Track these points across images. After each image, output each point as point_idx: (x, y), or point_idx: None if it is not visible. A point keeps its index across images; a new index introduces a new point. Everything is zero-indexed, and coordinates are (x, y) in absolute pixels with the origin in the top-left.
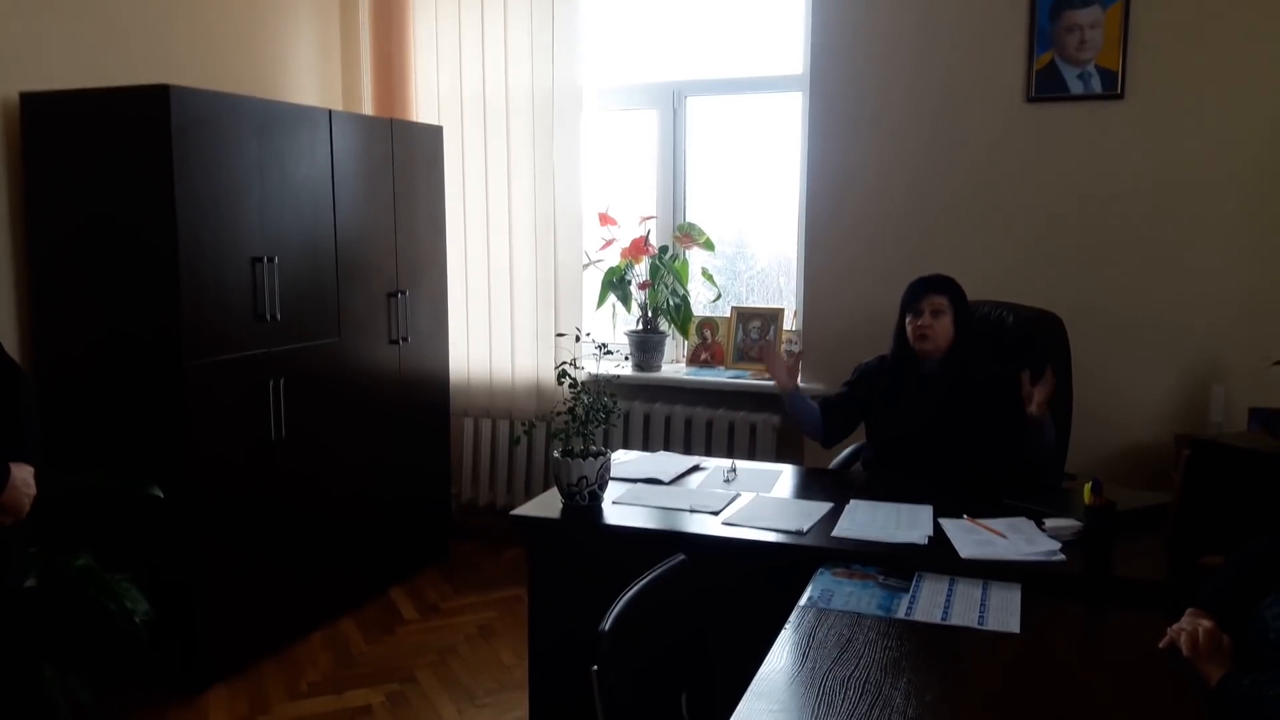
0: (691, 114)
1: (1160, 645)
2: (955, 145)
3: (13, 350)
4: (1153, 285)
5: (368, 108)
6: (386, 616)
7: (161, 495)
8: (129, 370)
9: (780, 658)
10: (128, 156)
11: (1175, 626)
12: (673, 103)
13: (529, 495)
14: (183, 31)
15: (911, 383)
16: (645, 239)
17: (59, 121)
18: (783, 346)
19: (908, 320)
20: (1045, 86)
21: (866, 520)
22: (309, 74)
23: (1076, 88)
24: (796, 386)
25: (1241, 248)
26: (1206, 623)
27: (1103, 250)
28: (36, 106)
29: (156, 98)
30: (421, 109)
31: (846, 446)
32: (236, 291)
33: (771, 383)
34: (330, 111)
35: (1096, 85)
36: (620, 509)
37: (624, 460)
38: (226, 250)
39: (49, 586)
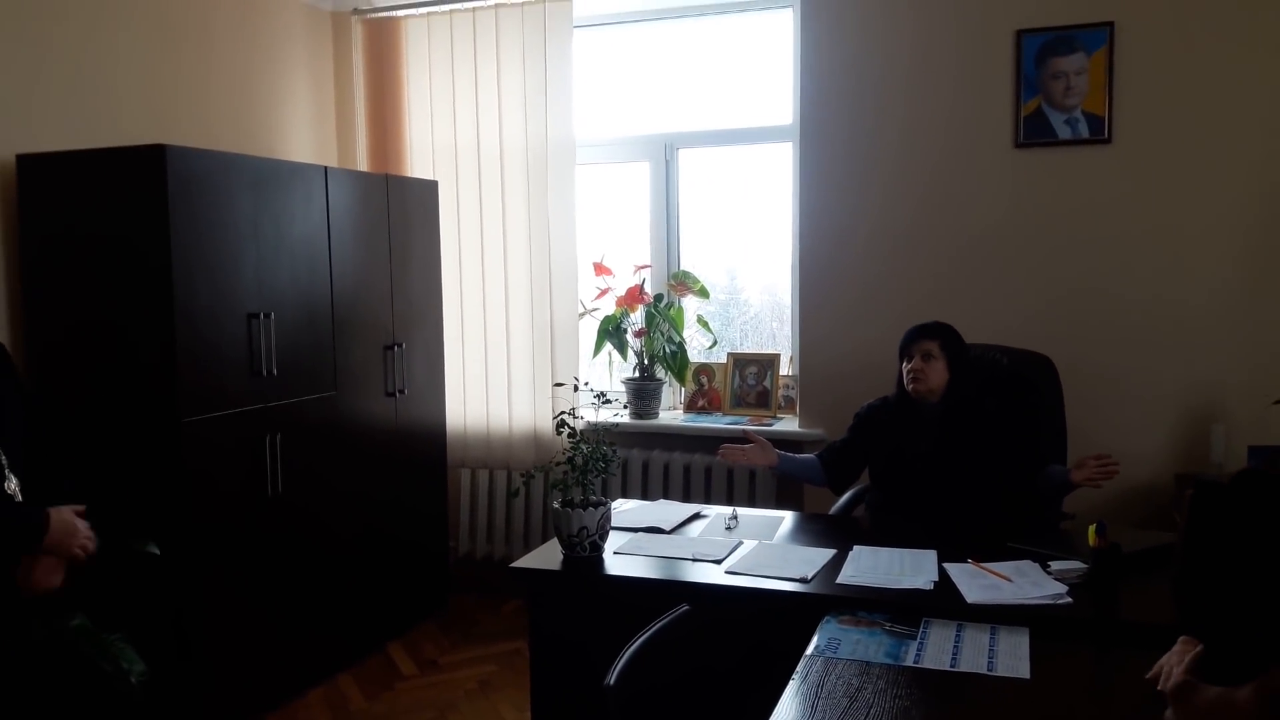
0: (683, 165)
1: (1147, 676)
2: (946, 191)
3: None
4: (1147, 326)
5: (363, 164)
6: (385, 672)
7: (159, 553)
8: (126, 427)
9: (789, 709)
10: (124, 216)
11: (1166, 657)
12: (665, 154)
13: (528, 547)
14: (178, 92)
15: (913, 425)
16: (640, 287)
17: (55, 183)
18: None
19: (902, 365)
20: (1033, 132)
21: (870, 566)
22: (304, 131)
23: (1064, 133)
24: (777, 456)
25: (1235, 286)
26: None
27: (1095, 292)
28: (33, 168)
29: (153, 157)
30: (416, 164)
31: (846, 491)
32: (233, 348)
33: (768, 427)
34: (326, 168)
35: (1084, 130)
36: (622, 559)
37: (624, 509)
38: (223, 307)
39: (44, 648)
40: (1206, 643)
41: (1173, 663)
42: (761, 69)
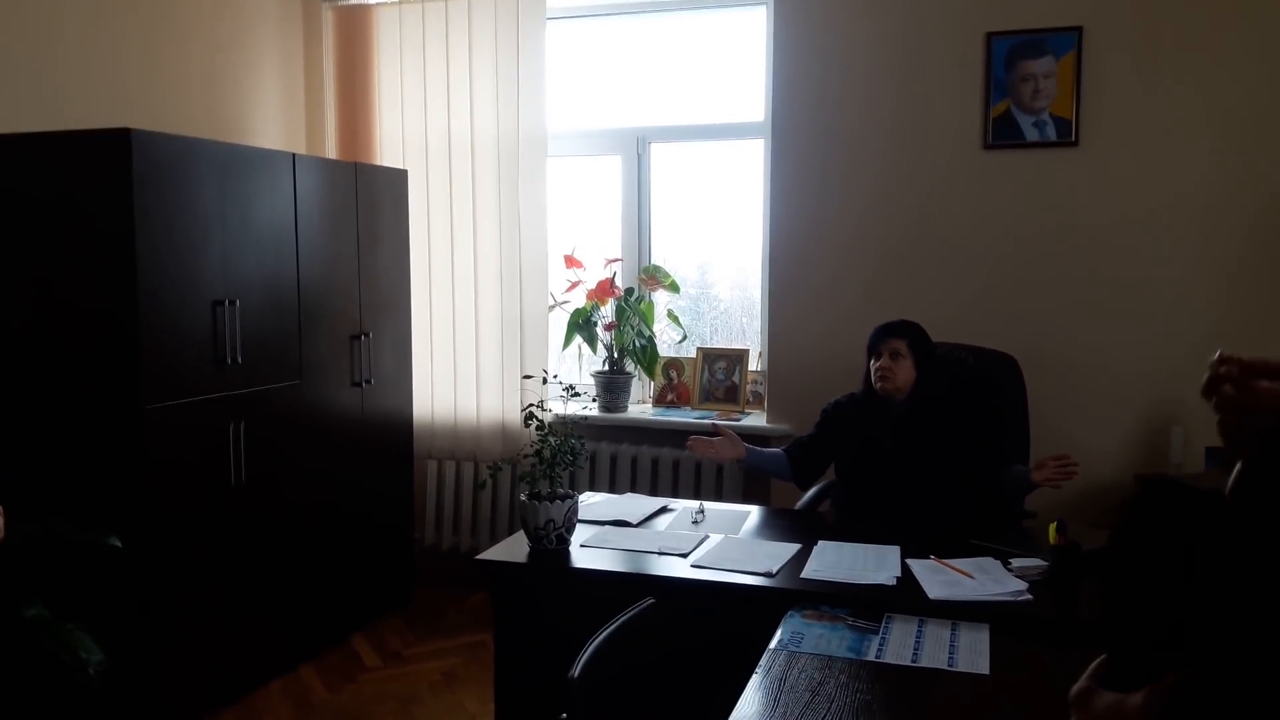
0: (655, 159)
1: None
2: (915, 191)
3: None
4: (1110, 328)
5: (332, 151)
6: (348, 664)
7: (120, 545)
8: (87, 414)
9: (752, 703)
10: (88, 200)
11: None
12: (637, 148)
13: (494, 539)
14: (145, 75)
15: (879, 422)
16: (611, 281)
17: (17, 165)
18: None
19: (870, 363)
20: (1002, 134)
21: (834, 561)
22: (273, 118)
23: (1032, 135)
24: (745, 450)
25: (1196, 289)
26: None
27: (1060, 293)
28: None
29: (118, 142)
30: (386, 153)
31: (812, 487)
32: (197, 335)
33: (736, 422)
34: (294, 155)
35: (1051, 133)
36: (588, 552)
37: (591, 502)
38: (187, 294)
39: (0, 638)
40: (1109, 649)
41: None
42: (734, 65)
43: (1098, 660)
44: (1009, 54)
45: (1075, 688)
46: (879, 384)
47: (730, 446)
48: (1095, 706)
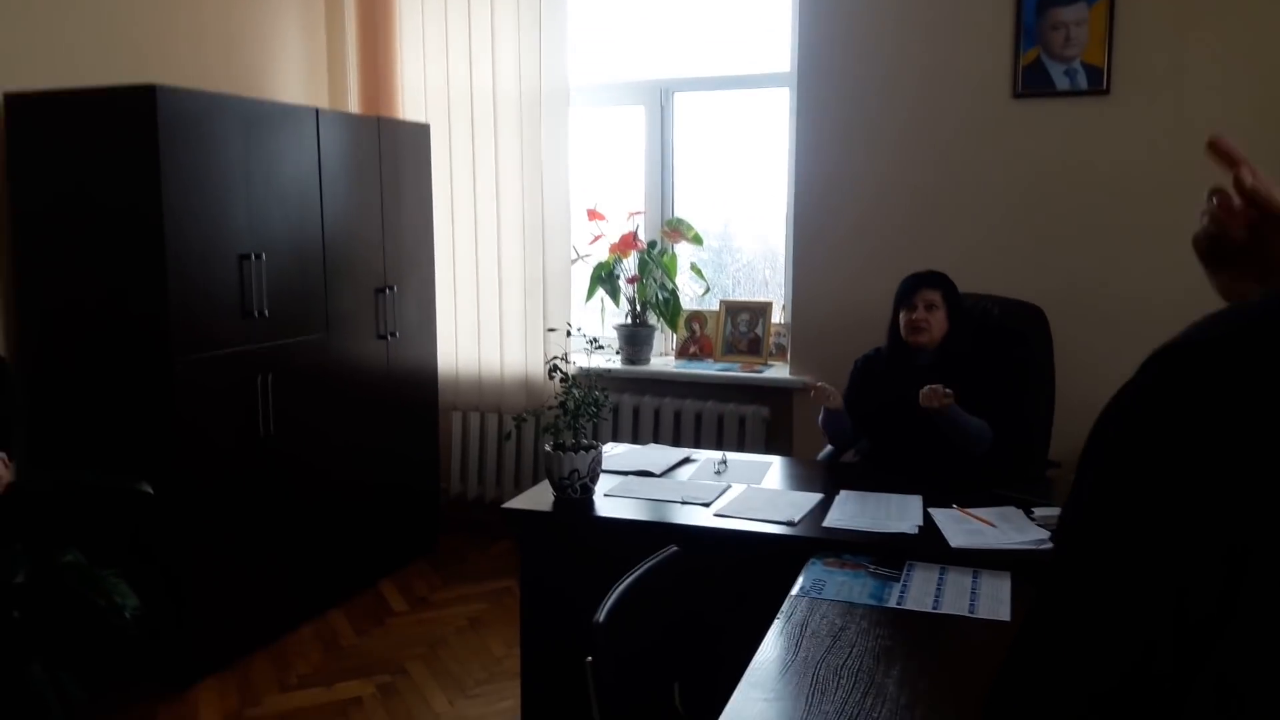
0: (679, 110)
1: None
2: (943, 141)
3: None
4: (1140, 277)
5: (354, 106)
6: (376, 608)
7: (151, 492)
8: (118, 367)
9: (774, 648)
10: (114, 156)
11: None
12: (660, 99)
13: (518, 488)
14: (169, 31)
15: (908, 375)
16: (634, 234)
17: (44, 122)
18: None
19: (901, 314)
20: (1032, 82)
21: (856, 510)
22: (295, 73)
23: (1063, 84)
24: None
25: None
26: None
27: (1089, 243)
28: (21, 107)
29: (143, 98)
30: (408, 107)
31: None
32: (224, 288)
33: (759, 374)
34: (317, 110)
35: (1082, 81)
36: (612, 501)
37: (615, 453)
38: (214, 248)
39: (37, 583)
40: None
41: None
42: (759, 14)
43: None
44: (1039, 1)
45: None
46: (912, 336)
47: (836, 396)
48: None
